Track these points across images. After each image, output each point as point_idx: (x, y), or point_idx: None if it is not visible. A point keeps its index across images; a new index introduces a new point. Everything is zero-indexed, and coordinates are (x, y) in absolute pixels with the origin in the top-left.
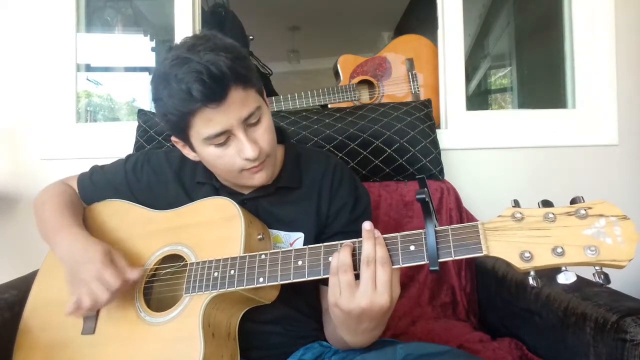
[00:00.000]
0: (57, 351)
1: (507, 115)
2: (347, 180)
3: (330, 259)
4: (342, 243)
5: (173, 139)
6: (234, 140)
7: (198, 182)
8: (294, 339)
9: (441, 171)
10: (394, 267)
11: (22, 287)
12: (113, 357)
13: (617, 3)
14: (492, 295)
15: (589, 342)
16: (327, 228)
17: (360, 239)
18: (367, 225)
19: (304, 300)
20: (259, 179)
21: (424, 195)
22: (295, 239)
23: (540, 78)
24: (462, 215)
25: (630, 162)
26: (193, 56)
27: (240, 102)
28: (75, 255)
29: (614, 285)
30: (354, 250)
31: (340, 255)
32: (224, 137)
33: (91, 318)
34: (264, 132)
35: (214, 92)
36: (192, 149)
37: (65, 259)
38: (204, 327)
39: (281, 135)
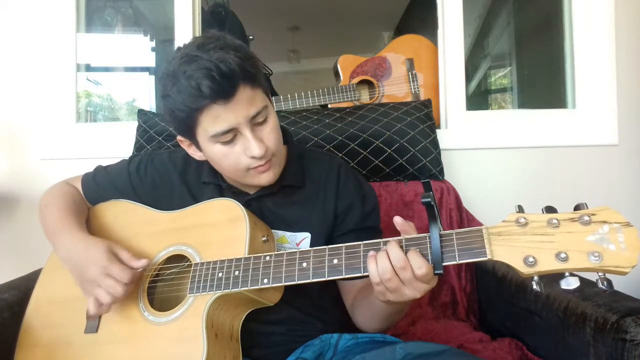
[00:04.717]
0: (60, 349)
1: (507, 115)
2: (352, 179)
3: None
4: (347, 245)
5: (179, 138)
6: (241, 139)
7: (204, 182)
8: (295, 337)
9: (441, 171)
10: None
11: (23, 287)
12: (115, 356)
13: (617, 3)
14: (492, 295)
15: (589, 342)
16: (339, 227)
17: (373, 241)
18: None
19: (312, 302)
20: (266, 178)
21: (429, 199)
22: (302, 239)
23: (540, 78)
24: (462, 215)
25: (630, 162)
26: (203, 54)
27: (248, 100)
28: (77, 256)
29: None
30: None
31: (381, 264)
32: (231, 135)
33: (94, 316)
34: (271, 132)
35: (223, 88)
36: (198, 147)
37: (66, 260)
38: (207, 327)
39: (284, 136)
